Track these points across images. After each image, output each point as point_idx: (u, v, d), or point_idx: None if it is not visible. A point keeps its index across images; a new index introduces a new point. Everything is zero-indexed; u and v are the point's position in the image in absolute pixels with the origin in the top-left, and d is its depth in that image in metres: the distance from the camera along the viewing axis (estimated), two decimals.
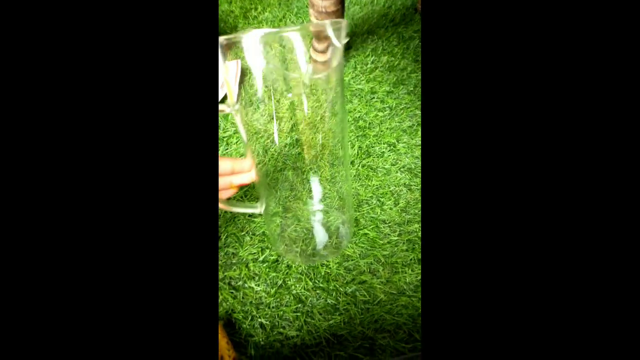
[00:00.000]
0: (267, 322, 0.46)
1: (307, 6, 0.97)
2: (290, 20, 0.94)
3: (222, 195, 0.33)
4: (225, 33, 0.97)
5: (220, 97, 0.79)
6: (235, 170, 0.33)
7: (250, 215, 0.55)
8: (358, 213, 0.56)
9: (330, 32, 0.25)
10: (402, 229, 0.54)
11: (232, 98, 0.29)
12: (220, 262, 0.51)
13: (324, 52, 0.69)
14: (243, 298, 0.48)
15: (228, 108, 0.29)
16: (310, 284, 0.49)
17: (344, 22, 0.25)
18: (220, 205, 0.33)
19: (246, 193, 0.57)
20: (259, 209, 0.38)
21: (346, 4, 0.86)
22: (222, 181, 0.32)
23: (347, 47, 0.85)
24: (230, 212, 0.36)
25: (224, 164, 0.32)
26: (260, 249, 0.52)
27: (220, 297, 0.48)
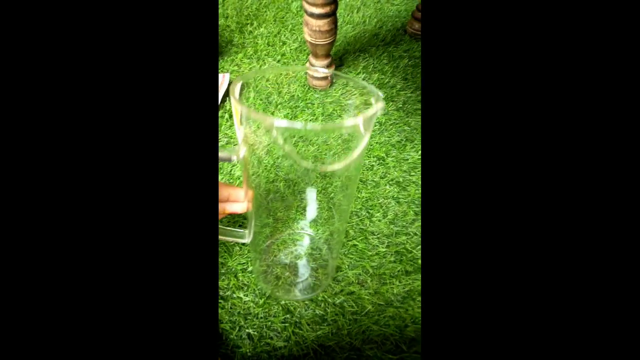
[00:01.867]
0: (255, 333, 0.46)
1: (301, 24, 1.00)
2: (284, 36, 0.97)
3: None
4: (220, 47, 0.97)
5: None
6: (231, 198, 0.33)
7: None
8: (347, 225, 0.57)
9: (362, 128, 0.24)
10: (390, 240, 0.55)
11: (240, 145, 0.28)
12: None
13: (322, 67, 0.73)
14: (231, 308, 0.48)
15: (234, 157, 0.28)
16: None
17: (375, 110, 0.24)
18: None
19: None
20: (246, 239, 0.37)
21: (339, 23, 0.89)
22: None
23: (339, 65, 0.88)
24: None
25: (222, 191, 0.32)
26: (249, 259, 0.52)
27: None
